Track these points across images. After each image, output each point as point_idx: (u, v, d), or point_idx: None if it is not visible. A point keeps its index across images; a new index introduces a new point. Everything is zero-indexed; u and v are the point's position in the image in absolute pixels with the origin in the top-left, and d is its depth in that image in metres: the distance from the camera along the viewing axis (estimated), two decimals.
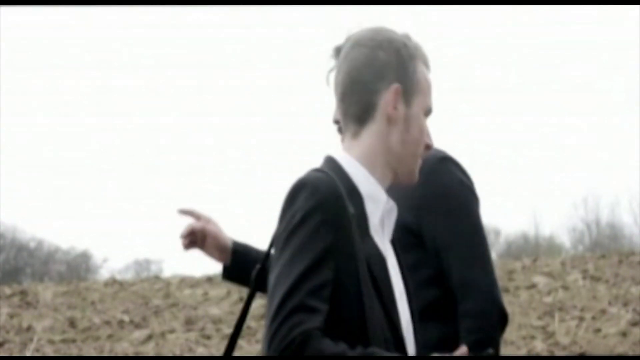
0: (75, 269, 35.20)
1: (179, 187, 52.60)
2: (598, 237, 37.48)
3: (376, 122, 2.40)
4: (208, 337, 12.04)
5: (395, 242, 2.49)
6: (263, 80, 50.06)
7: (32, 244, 35.73)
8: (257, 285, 2.69)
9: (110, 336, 12.25)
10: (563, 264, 15.32)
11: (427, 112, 2.47)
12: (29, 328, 12.66)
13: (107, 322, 13.00)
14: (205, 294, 14.85)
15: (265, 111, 49.58)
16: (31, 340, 12.02)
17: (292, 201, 2.27)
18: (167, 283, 16.22)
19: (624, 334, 10.76)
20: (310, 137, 51.40)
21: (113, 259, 52.65)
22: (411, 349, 2.40)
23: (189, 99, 47.21)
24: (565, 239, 38.13)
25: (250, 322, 12.59)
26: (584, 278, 14.02)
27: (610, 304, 12.31)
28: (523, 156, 51.51)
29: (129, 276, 29.37)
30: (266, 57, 46.81)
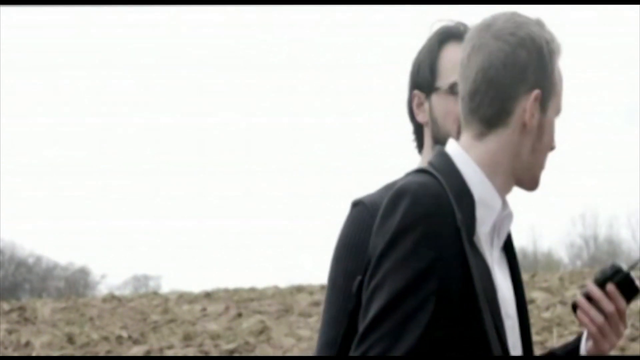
0: (74, 285, 35.18)
1: (177, 203, 52.60)
2: (596, 252, 37.49)
3: (508, 128, 2.15)
4: (206, 353, 12.03)
5: (510, 251, 2.27)
6: (263, 80, 50.15)
7: (31, 260, 35.73)
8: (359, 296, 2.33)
9: (108, 352, 12.24)
10: (561, 279, 15.34)
11: (558, 112, 2.23)
12: (28, 344, 12.65)
13: (106, 338, 12.99)
14: (204, 309, 14.85)
15: (265, 111, 49.63)
16: (30, 356, 12.01)
17: (391, 212, 2.05)
18: (166, 299, 16.22)
19: (622, 350, 10.76)
20: (311, 138, 51.45)
21: (111, 275, 52.59)
22: None
23: (189, 99, 47.29)
24: (563, 255, 38.18)
25: (249, 338, 12.59)
26: None
27: None
28: None
29: (127, 292, 29.36)
30: (267, 57, 46.88)
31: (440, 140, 2.64)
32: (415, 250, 2.01)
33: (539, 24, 2.21)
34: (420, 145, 2.75)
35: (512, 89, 2.15)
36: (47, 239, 57.81)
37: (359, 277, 2.26)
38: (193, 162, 51.16)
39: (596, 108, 51.26)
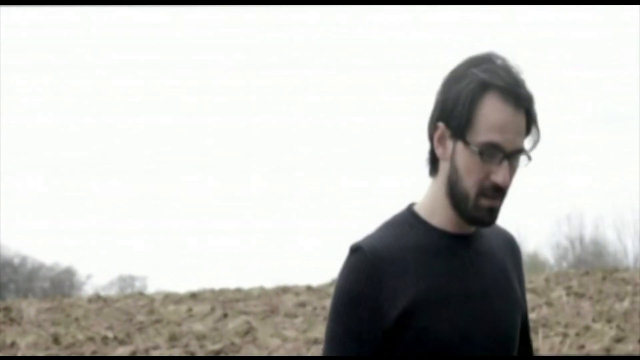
0: (59, 285, 35.12)
1: (163, 203, 52.51)
2: (582, 253, 37.57)
3: None
4: (192, 353, 12.02)
5: None
6: (263, 80, 50.12)
7: (16, 260, 35.65)
8: None
9: (94, 352, 12.21)
10: (547, 280, 15.36)
11: None
12: (13, 344, 12.62)
13: (91, 339, 12.97)
14: (190, 310, 14.84)
15: (264, 112, 49.58)
16: (15, 356, 11.98)
17: None
18: (151, 299, 16.20)
19: (607, 350, 10.79)
20: (310, 138, 51.41)
21: (97, 275, 52.46)
22: None
23: (189, 99, 47.22)
24: (549, 256, 38.23)
25: (234, 338, 12.58)
26: (568, 294, 14.06)
27: (594, 320, 12.35)
28: None
29: (112, 292, 29.31)
30: (267, 57, 46.85)
31: (455, 191, 2.47)
32: None
33: None
34: (433, 170, 2.52)
35: None
36: (33, 239, 57.65)
37: None
38: (181, 163, 51.12)
39: (583, 108, 51.34)
